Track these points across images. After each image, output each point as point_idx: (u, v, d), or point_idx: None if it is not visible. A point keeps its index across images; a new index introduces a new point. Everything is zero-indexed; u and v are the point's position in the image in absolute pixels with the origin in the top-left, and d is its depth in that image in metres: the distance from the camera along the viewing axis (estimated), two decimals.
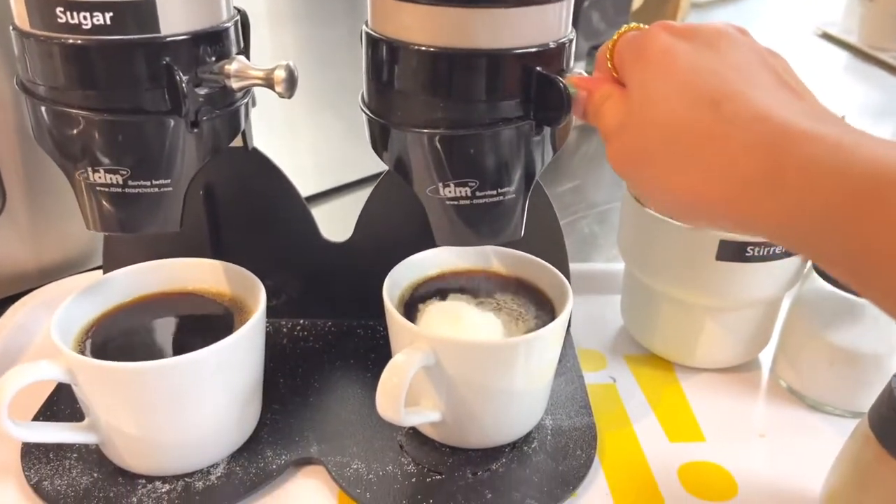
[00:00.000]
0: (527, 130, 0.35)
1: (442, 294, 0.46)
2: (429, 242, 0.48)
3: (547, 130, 0.36)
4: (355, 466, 0.42)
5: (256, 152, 0.48)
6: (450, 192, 0.36)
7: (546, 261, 0.51)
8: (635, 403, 0.48)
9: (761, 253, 0.45)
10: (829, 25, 1.58)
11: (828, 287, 0.46)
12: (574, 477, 0.41)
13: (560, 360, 0.50)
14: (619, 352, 0.53)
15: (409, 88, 0.34)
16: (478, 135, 0.34)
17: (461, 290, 0.46)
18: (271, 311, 0.53)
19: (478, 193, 0.36)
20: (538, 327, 0.41)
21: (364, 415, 0.45)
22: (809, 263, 0.48)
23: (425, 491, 0.40)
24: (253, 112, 0.42)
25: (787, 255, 0.46)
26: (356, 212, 0.51)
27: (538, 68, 0.33)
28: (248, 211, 0.50)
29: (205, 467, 0.41)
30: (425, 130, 0.35)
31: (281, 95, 0.36)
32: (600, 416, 0.46)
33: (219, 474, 0.41)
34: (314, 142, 0.75)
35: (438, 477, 0.41)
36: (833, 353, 0.46)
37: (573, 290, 0.52)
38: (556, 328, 0.40)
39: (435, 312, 0.43)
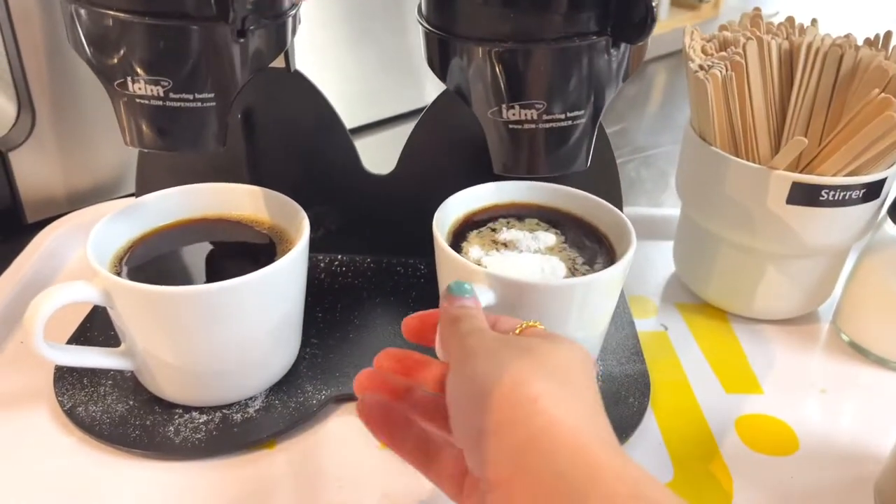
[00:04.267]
0: (602, 48, 0.32)
1: (494, 229, 0.43)
2: (476, 177, 0.46)
3: (623, 49, 0.32)
4: None
5: (299, 75, 0.46)
6: (514, 114, 0.33)
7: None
8: (688, 353, 0.46)
9: (836, 197, 0.42)
10: None
11: None
12: (627, 424, 0.40)
13: None
14: (670, 299, 0.51)
15: None
16: (548, 50, 0.31)
17: (514, 226, 0.43)
18: (309, 245, 0.51)
19: (545, 117, 0.33)
20: (595, 270, 0.39)
21: None
22: (884, 211, 0.45)
23: None
24: (297, 36, 0.39)
25: (864, 200, 0.43)
26: (400, 146, 0.49)
27: None
28: (289, 138, 0.48)
29: (243, 399, 0.40)
30: (490, 43, 0.32)
31: None
32: (652, 365, 0.44)
33: (257, 407, 0.39)
34: (359, 72, 0.72)
35: None
36: None
37: None
38: (616, 272, 0.37)
39: (487, 247, 0.41)
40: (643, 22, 0.30)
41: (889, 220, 0.44)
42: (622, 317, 0.47)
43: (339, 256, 0.52)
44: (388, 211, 0.50)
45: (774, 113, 0.45)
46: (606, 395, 0.41)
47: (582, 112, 0.33)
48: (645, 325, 0.48)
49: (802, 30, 0.48)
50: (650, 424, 0.41)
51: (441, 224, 0.41)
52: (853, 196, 0.42)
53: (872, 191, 0.42)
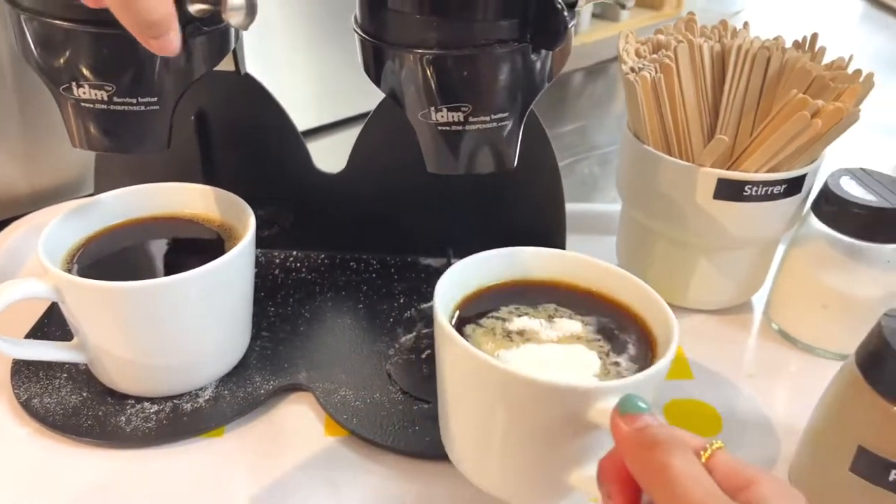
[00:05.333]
0: (522, 54, 0.34)
1: (502, 318, 0.36)
2: (424, 175, 0.48)
3: (544, 54, 0.34)
4: (343, 393, 0.42)
5: (249, 78, 0.47)
6: (442, 116, 0.35)
7: (542, 201, 0.50)
8: None
9: (759, 192, 0.44)
10: None
11: (825, 229, 0.45)
12: None
13: None
14: None
15: (402, 6, 0.33)
16: (472, 56, 0.33)
17: (530, 308, 0.37)
18: (264, 242, 0.53)
19: (471, 119, 0.35)
20: (631, 362, 0.33)
21: (354, 344, 0.46)
22: (808, 205, 0.47)
23: (411, 418, 0.40)
24: (252, 39, 0.41)
25: (786, 195, 0.45)
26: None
27: None
28: (241, 138, 0.50)
29: (193, 390, 0.41)
30: (417, 50, 0.33)
31: (235, 26, 0.32)
32: None
33: (207, 397, 0.41)
34: (316, 74, 0.73)
35: (425, 405, 0.41)
36: (827, 296, 0.46)
37: (570, 230, 0.52)
38: (655, 373, 0.31)
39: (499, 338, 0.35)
40: (557, 30, 0.32)
41: (812, 215, 0.46)
42: None
43: (295, 253, 0.54)
44: (341, 208, 0.52)
45: (708, 112, 0.47)
46: None
47: (507, 114, 0.35)
48: None
49: (735, 33, 0.50)
50: None
51: (446, 299, 0.35)
52: (775, 191, 0.44)
53: (794, 186, 0.45)
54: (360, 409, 0.41)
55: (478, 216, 0.52)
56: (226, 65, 0.46)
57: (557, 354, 0.34)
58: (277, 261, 0.53)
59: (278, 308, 0.48)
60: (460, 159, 0.36)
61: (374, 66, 0.36)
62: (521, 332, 0.35)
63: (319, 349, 0.45)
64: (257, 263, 0.52)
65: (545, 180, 0.49)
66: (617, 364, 0.33)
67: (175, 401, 0.41)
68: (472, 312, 0.36)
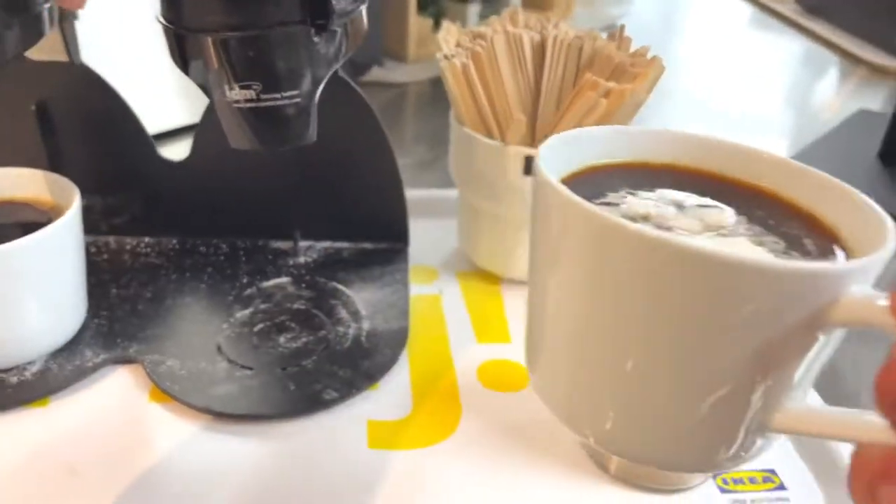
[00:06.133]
0: (305, 34, 0.37)
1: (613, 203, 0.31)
2: (268, 162, 0.51)
3: (327, 36, 0.38)
4: (170, 364, 0.44)
5: (85, 68, 0.49)
6: (236, 94, 0.38)
7: (381, 185, 0.54)
8: (455, 312, 0.52)
9: None
10: None
11: None
12: (376, 370, 0.45)
13: (390, 274, 0.53)
14: (452, 269, 0.57)
15: None
16: (255, 37, 0.36)
17: (651, 194, 0.31)
18: (116, 230, 0.55)
19: (263, 96, 0.38)
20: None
21: (189, 321, 0.48)
22: None
23: (231, 383, 0.43)
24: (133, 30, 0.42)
25: None
26: None
27: None
28: (82, 128, 0.52)
29: (20, 364, 0.43)
30: (207, 33, 0.36)
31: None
32: (420, 322, 0.49)
33: (34, 370, 0.43)
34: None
35: (248, 371, 0.44)
36: None
37: (412, 215, 0.55)
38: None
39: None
40: (326, 12, 0.35)
41: None
42: (400, 283, 0.52)
43: (146, 239, 0.56)
44: (189, 195, 0.54)
45: (531, 96, 0.51)
46: (365, 349, 0.46)
47: (297, 92, 0.38)
48: (424, 289, 0.54)
49: (555, 25, 0.54)
50: (402, 372, 0.46)
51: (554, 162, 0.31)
52: None
53: None
54: (184, 377, 0.43)
55: (322, 201, 0.55)
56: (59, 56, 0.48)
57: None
58: (128, 247, 0.55)
59: (121, 290, 0.50)
60: (259, 135, 0.39)
61: (175, 52, 0.39)
62: (646, 219, 0.29)
63: (154, 325, 0.47)
64: (107, 250, 0.54)
65: (382, 164, 0.53)
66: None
67: (1, 374, 0.42)
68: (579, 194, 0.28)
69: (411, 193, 0.61)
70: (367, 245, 0.56)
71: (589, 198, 0.28)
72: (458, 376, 0.46)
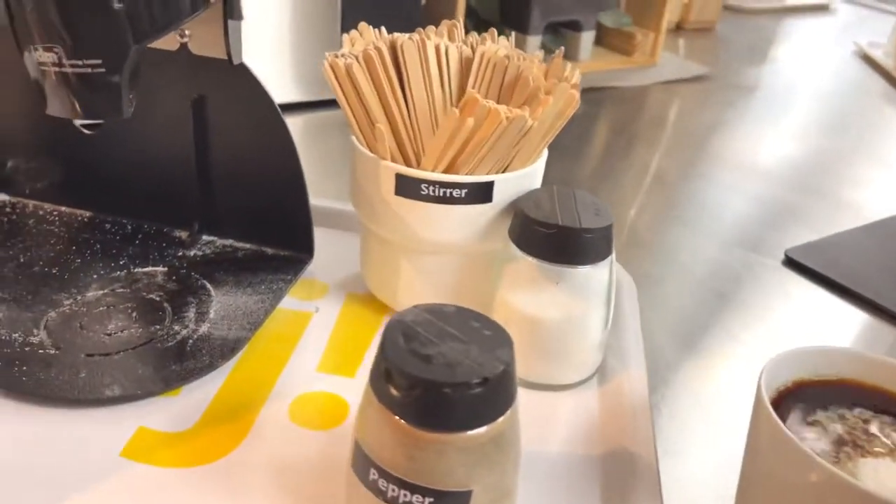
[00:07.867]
0: (105, 2, 0.35)
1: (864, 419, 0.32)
2: (177, 146, 0.49)
3: (133, 4, 0.35)
4: None
5: None
6: (40, 56, 0.36)
7: (283, 185, 0.50)
8: (318, 334, 0.47)
9: (437, 193, 0.43)
10: (873, 48, 1.46)
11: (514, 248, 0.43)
12: (181, 378, 0.41)
13: (270, 283, 0.49)
14: (347, 289, 0.52)
15: None
16: None
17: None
18: (38, 194, 0.56)
19: (65, 61, 0.36)
20: None
21: (36, 291, 0.47)
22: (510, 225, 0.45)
23: (27, 358, 0.41)
24: None
25: (469, 201, 0.43)
26: None
27: None
28: (13, 90, 0.52)
29: None
30: None
31: None
32: (268, 338, 0.46)
33: None
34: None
35: (54, 351, 0.42)
36: (511, 317, 0.43)
37: (332, 227, 0.52)
38: None
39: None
40: None
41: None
42: (274, 293, 0.48)
43: (62, 209, 0.56)
44: (103, 168, 0.54)
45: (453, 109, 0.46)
46: (187, 353, 0.43)
47: (99, 62, 0.36)
48: (299, 305, 0.50)
49: (484, 40, 0.49)
50: (213, 383, 0.42)
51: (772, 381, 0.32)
52: (454, 194, 0.43)
53: (476, 192, 0.43)
54: None
55: (226, 197, 0.53)
56: None
57: None
58: (41, 213, 0.55)
59: None
60: (68, 102, 0.37)
61: (6, 11, 0.38)
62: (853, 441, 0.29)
63: (1, 289, 0.47)
64: (20, 212, 0.55)
65: (283, 163, 0.49)
66: None
67: None
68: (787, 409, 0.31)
69: (333, 204, 0.58)
70: (268, 250, 0.53)
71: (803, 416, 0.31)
72: (267, 402, 0.41)
